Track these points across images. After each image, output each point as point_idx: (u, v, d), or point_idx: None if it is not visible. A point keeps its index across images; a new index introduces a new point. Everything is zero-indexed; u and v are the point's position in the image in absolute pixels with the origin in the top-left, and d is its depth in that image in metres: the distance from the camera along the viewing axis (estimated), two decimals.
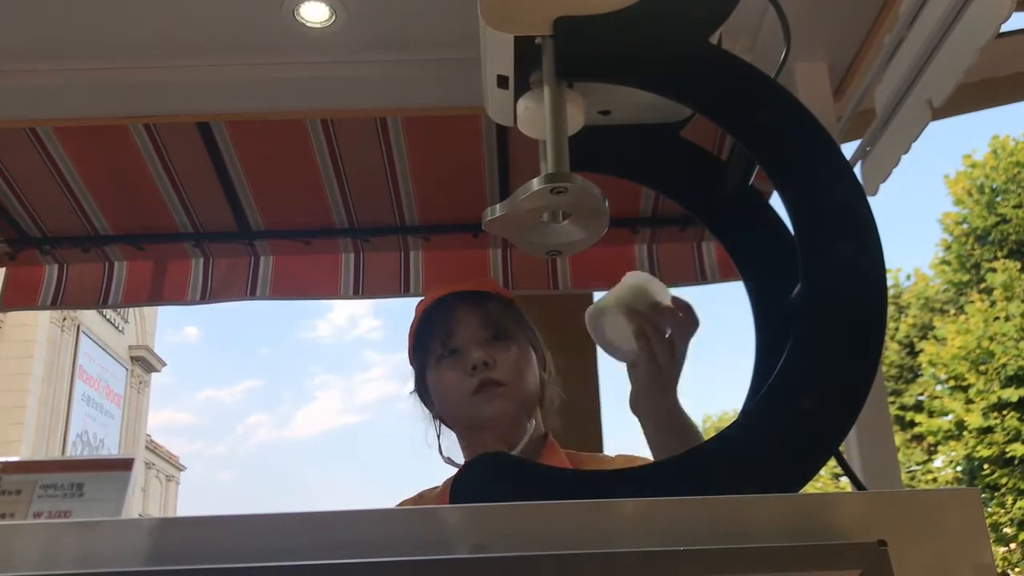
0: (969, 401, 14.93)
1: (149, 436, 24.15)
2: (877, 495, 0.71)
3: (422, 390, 1.53)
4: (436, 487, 1.48)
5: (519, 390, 1.42)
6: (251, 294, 2.71)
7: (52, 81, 2.09)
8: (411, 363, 1.56)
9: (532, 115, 0.91)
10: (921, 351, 16.76)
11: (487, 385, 1.40)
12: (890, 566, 0.63)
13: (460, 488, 0.79)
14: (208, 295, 2.73)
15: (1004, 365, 14.41)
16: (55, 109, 2.20)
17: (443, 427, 1.52)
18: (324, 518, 0.67)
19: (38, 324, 17.59)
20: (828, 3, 1.89)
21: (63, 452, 17.86)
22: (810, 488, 0.83)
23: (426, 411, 1.54)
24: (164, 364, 23.94)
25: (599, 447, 2.65)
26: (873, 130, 1.75)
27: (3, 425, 16.74)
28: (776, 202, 0.99)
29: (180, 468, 27.36)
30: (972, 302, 15.67)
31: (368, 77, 2.11)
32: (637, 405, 1.25)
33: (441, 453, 1.50)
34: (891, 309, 18.43)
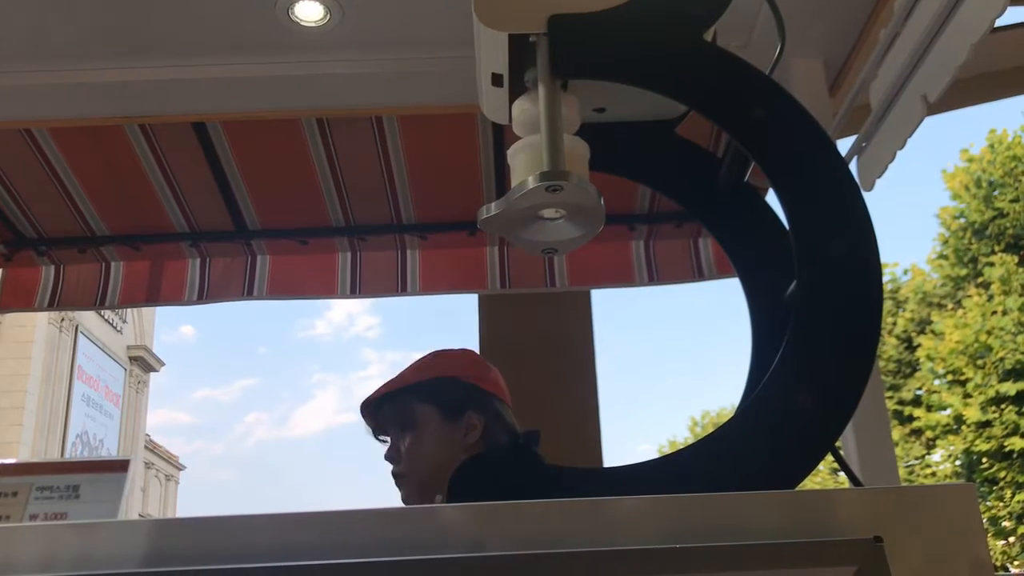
0: (967, 395, 14.96)
1: (148, 436, 24.14)
2: (873, 491, 0.71)
3: None
4: None
5: (416, 474, 1.62)
6: (248, 294, 2.71)
7: (47, 82, 2.08)
8: None
9: (528, 117, 0.91)
10: (919, 346, 16.78)
11: (394, 477, 1.66)
12: (886, 562, 0.63)
13: (459, 488, 0.79)
14: (205, 295, 2.73)
15: (1002, 359, 14.43)
16: (51, 110, 2.20)
17: None
18: (323, 518, 0.67)
19: (36, 325, 17.56)
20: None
21: (62, 453, 17.83)
22: (809, 483, 0.83)
23: None
24: (163, 364, 23.92)
25: (597, 442, 2.65)
26: (868, 126, 1.75)
27: (2, 426, 16.73)
28: (772, 198, 0.99)
29: (179, 468, 27.34)
30: (970, 296, 15.69)
31: (363, 76, 2.11)
32: None
33: None
34: (889, 304, 18.51)
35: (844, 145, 1.85)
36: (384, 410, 1.73)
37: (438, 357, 1.78)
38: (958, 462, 15.87)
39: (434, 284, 2.73)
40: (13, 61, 2.04)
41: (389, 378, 1.76)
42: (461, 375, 1.71)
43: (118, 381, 21.27)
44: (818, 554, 0.63)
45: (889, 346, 18.23)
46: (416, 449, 1.65)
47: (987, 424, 14.64)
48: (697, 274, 2.72)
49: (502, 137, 2.33)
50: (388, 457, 1.69)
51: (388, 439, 1.71)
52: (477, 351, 2.79)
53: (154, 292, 2.78)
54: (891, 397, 17.48)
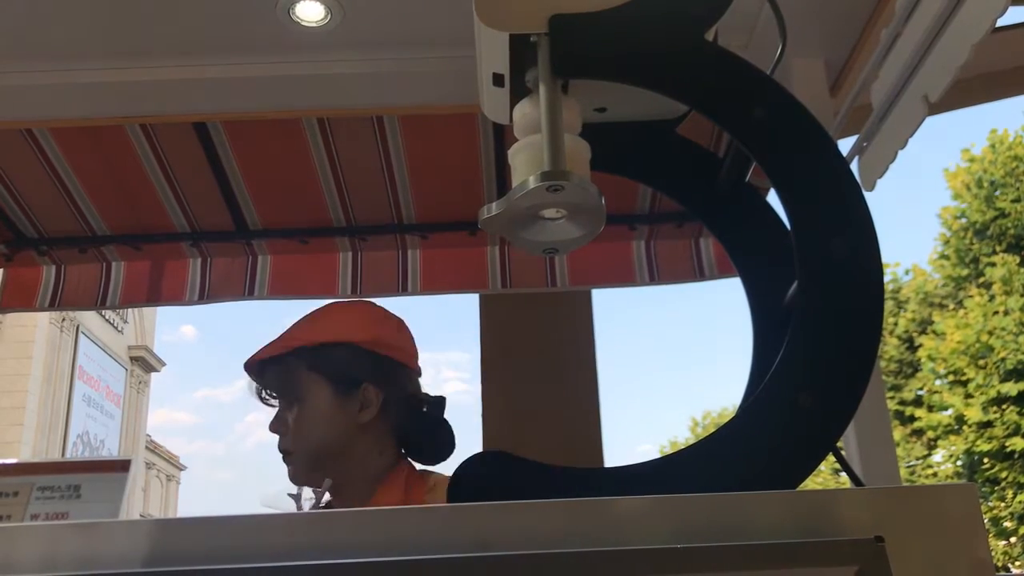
0: (968, 395, 14.96)
1: (149, 436, 24.15)
2: (874, 491, 0.71)
3: None
4: None
5: (304, 453, 1.47)
6: (249, 294, 2.71)
7: (48, 82, 2.09)
8: None
9: (529, 121, 0.91)
10: (920, 346, 16.78)
11: (281, 453, 1.49)
12: (887, 562, 0.63)
13: (459, 487, 0.79)
14: (206, 295, 2.73)
15: (1003, 359, 14.43)
16: (51, 110, 2.20)
17: None
18: (324, 517, 0.67)
19: (37, 325, 17.58)
20: None
21: (63, 453, 17.84)
22: (810, 483, 0.83)
23: None
24: (164, 364, 23.93)
25: (598, 442, 2.66)
26: (870, 126, 1.75)
27: (3, 426, 16.74)
28: (773, 198, 0.99)
29: (180, 468, 27.35)
30: (971, 296, 15.68)
31: (364, 75, 2.11)
32: None
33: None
34: (890, 304, 18.51)
35: (845, 145, 1.85)
36: (268, 375, 1.52)
37: (329, 315, 1.57)
38: (959, 462, 15.86)
39: (435, 284, 2.73)
40: (14, 61, 2.04)
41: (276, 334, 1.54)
42: (357, 339, 1.50)
43: (119, 381, 21.29)
44: (819, 554, 0.63)
45: (890, 346, 18.23)
46: (304, 425, 1.46)
47: (988, 424, 14.64)
48: (698, 274, 2.72)
49: (503, 137, 2.33)
50: (273, 429, 1.50)
51: (274, 404, 1.52)
52: (480, 352, 2.83)
53: (155, 292, 2.79)
54: (892, 397, 17.48)
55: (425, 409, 1.55)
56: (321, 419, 1.47)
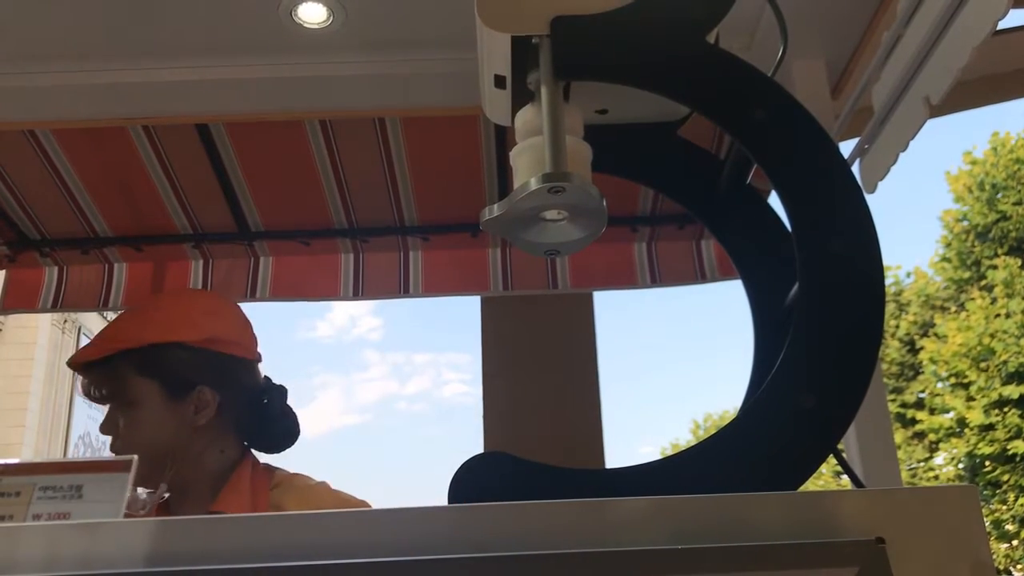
0: (970, 398, 14.94)
1: None
2: (875, 492, 0.71)
3: None
4: None
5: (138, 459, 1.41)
6: (251, 295, 2.71)
7: (50, 83, 2.09)
8: None
9: (531, 128, 0.91)
10: (922, 348, 16.76)
11: (114, 454, 1.38)
12: (888, 563, 0.63)
13: (460, 488, 0.79)
14: None
15: (1005, 362, 14.41)
16: (53, 111, 2.20)
17: None
18: (324, 518, 0.67)
19: (39, 326, 17.57)
20: (825, 1, 1.89)
21: (64, 454, 17.84)
22: (811, 485, 0.83)
23: None
24: None
25: (599, 444, 2.65)
26: (871, 128, 1.75)
27: (4, 427, 16.73)
28: (774, 200, 0.99)
29: None
30: (973, 299, 15.67)
31: (366, 77, 2.11)
32: None
33: None
34: (892, 306, 18.50)
35: (846, 147, 1.85)
36: (94, 375, 1.42)
37: (159, 310, 1.47)
38: (961, 465, 15.85)
39: (436, 286, 2.73)
40: (16, 62, 2.04)
41: (103, 331, 1.43)
42: (190, 338, 1.39)
43: None
44: (820, 555, 0.63)
45: (892, 349, 18.22)
46: (135, 430, 1.38)
47: (990, 427, 14.62)
48: (699, 276, 2.72)
49: (504, 139, 2.33)
50: (104, 431, 1.40)
51: (103, 403, 1.42)
52: (481, 353, 2.84)
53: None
54: (894, 400, 17.47)
55: (266, 400, 1.48)
56: (153, 423, 1.39)
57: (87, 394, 1.42)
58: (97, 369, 1.41)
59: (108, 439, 1.41)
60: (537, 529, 0.66)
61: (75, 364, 1.42)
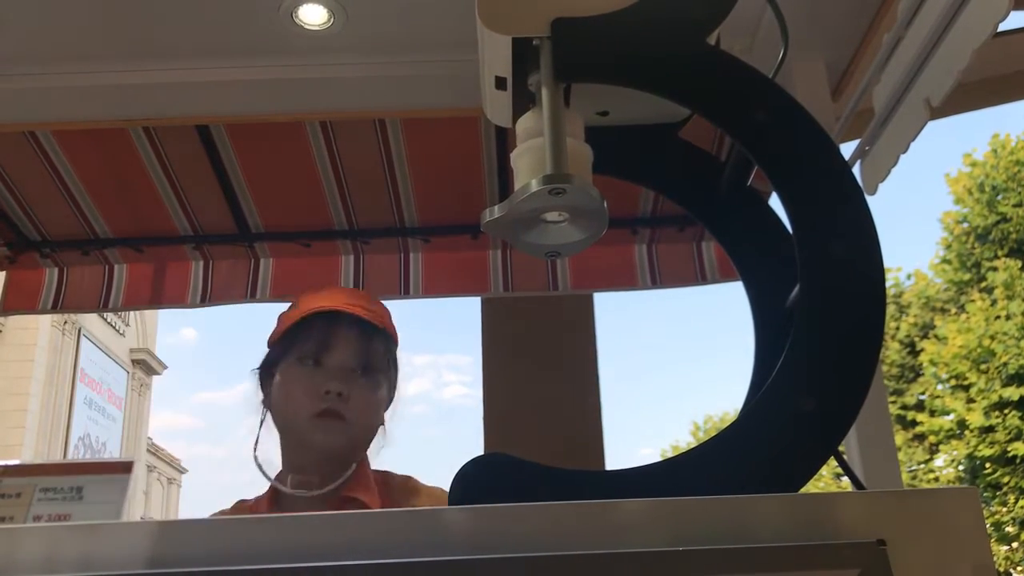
0: (970, 400, 14.94)
1: (151, 439, 24.13)
2: (876, 494, 0.71)
3: (267, 375, 1.47)
4: (249, 499, 1.45)
5: (358, 430, 1.40)
6: (251, 296, 2.71)
7: (51, 84, 2.09)
8: (270, 342, 1.49)
9: (531, 130, 0.91)
10: (922, 350, 16.76)
11: (329, 415, 1.36)
12: (888, 565, 0.63)
13: (461, 490, 0.79)
14: (208, 297, 2.73)
15: (1005, 364, 14.41)
16: (54, 113, 2.21)
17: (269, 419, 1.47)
18: (324, 520, 0.67)
19: (39, 328, 17.57)
20: (826, 3, 1.89)
21: (65, 455, 17.84)
22: (812, 487, 0.83)
23: (260, 394, 1.48)
24: (165, 367, 23.92)
25: (600, 445, 2.65)
26: (871, 130, 1.75)
27: (5, 429, 16.74)
28: (775, 202, 0.99)
29: (182, 471, 27.33)
30: (973, 301, 15.67)
31: (367, 79, 2.11)
32: None
33: (256, 450, 1.43)
34: (892, 308, 18.50)
35: (847, 149, 1.85)
36: (376, 341, 1.44)
37: (381, 306, 1.52)
38: (961, 467, 15.85)
39: (437, 287, 2.73)
40: (16, 64, 2.04)
41: (367, 302, 1.47)
42: (395, 337, 1.49)
43: (120, 384, 21.27)
44: (821, 557, 0.63)
45: (892, 351, 18.22)
46: (375, 407, 1.44)
47: (990, 429, 14.62)
48: (700, 277, 2.72)
49: (505, 140, 2.33)
50: (342, 393, 1.37)
51: (358, 371, 1.42)
52: (481, 355, 2.83)
53: (157, 294, 2.79)
54: (894, 402, 17.47)
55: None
56: (382, 409, 1.47)
57: (348, 359, 1.40)
58: (379, 336, 1.44)
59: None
60: (537, 531, 0.66)
61: (359, 319, 1.40)
